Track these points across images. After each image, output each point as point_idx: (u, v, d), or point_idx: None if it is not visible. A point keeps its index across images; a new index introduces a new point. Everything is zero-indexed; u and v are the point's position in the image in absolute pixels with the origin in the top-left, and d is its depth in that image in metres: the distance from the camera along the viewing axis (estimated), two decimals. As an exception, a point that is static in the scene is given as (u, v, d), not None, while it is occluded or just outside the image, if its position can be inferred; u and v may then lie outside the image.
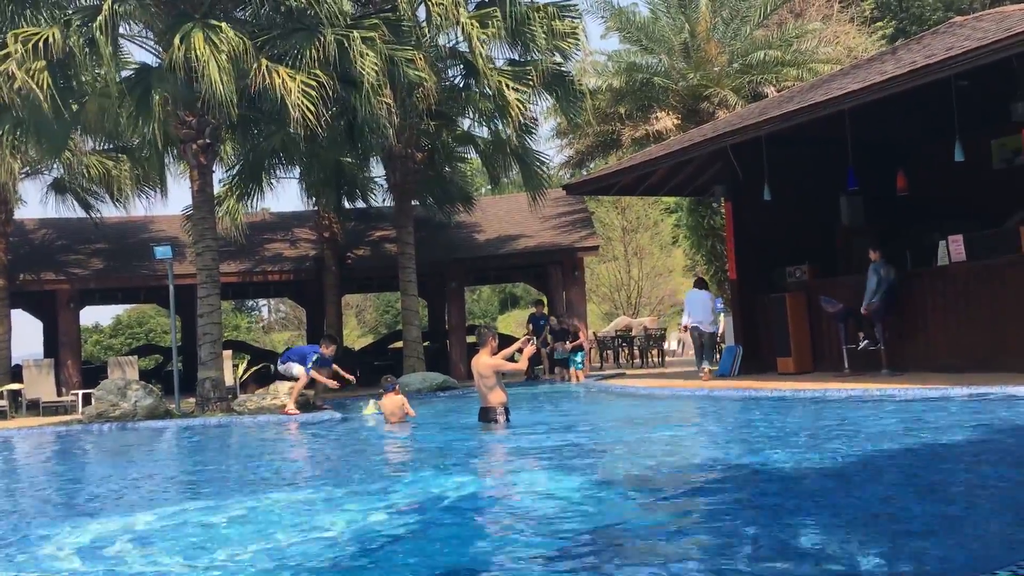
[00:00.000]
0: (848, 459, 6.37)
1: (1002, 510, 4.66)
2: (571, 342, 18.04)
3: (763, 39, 22.31)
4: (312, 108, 13.65)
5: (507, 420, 9.56)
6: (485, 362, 9.58)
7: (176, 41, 13.33)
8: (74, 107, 14.96)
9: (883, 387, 10.51)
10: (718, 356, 17.22)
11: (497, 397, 9.59)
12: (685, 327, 15.56)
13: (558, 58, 18.59)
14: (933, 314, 12.40)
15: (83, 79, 14.53)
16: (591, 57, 23.38)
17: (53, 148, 16.43)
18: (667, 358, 24.83)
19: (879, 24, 34.92)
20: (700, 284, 15.87)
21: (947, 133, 11.59)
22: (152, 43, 15.13)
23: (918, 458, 6.41)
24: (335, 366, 14.06)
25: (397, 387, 11.55)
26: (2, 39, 13.76)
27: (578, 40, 18.48)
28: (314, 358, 13.71)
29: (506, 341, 24.80)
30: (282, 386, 14.14)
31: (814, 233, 14.77)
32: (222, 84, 13.14)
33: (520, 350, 10.04)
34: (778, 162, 14.19)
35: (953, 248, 12.10)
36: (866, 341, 12.69)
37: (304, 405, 13.81)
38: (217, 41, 13.35)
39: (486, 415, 9.62)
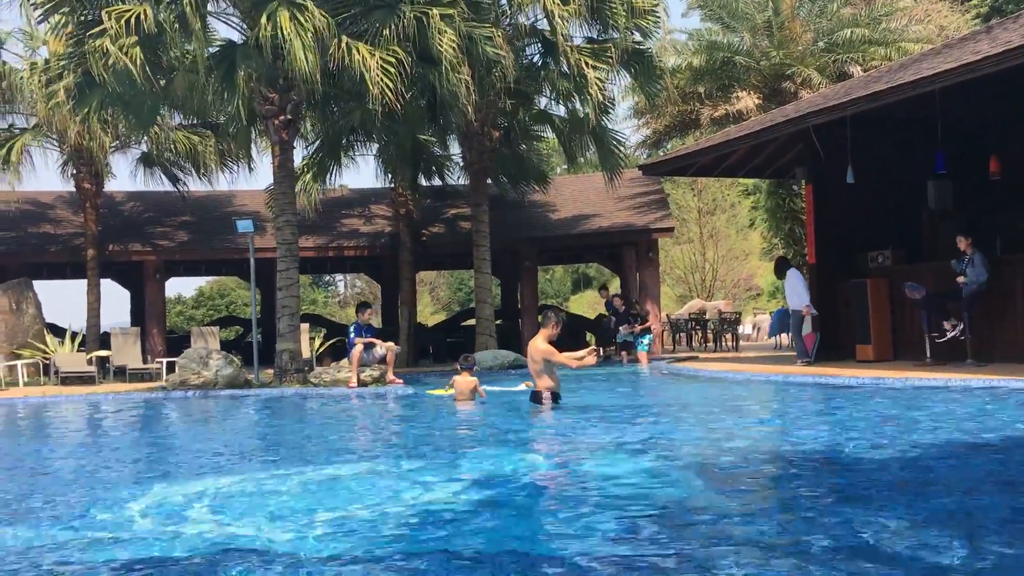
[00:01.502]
0: (929, 451, 6.21)
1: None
2: (640, 325, 17.95)
3: (850, 17, 21.67)
4: (391, 85, 13.77)
5: (554, 403, 9.47)
6: (538, 347, 9.47)
7: (263, 20, 13.56)
8: (162, 83, 15.36)
9: (968, 377, 10.20)
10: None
11: (544, 383, 9.50)
12: (808, 307, 14.15)
13: (637, 36, 18.38)
14: (1023, 303, 11.96)
15: (172, 55, 14.90)
16: (671, 35, 23.08)
17: (143, 123, 16.91)
18: (741, 342, 24.49)
19: (973, 2, 33.63)
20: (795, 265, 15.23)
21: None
22: (236, 19, 15.43)
23: (1003, 452, 6.21)
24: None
25: (475, 367, 11.62)
26: (97, 15, 14.19)
27: (658, 18, 18.26)
28: (352, 329, 14.22)
29: (577, 322, 24.78)
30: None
31: (898, 217, 14.36)
32: (307, 62, 13.34)
33: (581, 357, 9.82)
34: (862, 144, 13.82)
35: (1046, 235, 11.64)
36: (960, 326, 12.05)
37: (377, 379, 14.03)
38: (302, 19, 13.55)
39: (535, 397, 9.60)
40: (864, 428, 7.48)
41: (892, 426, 7.51)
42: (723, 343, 23.34)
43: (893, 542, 3.85)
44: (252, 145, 20.05)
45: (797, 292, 14.29)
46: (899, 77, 12.21)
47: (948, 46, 13.84)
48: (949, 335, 12.16)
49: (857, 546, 3.82)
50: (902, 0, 23.36)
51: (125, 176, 55.39)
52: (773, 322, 15.58)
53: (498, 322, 21.38)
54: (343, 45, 13.94)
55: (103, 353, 18.36)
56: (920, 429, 7.24)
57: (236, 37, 15.54)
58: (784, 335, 15.56)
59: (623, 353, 18.17)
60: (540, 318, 9.91)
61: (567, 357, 9.61)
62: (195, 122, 20.26)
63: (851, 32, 20.74)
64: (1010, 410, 8.17)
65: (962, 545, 3.76)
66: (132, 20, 13.62)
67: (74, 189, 20.68)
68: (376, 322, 23.56)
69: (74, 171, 20.20)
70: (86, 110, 15.16)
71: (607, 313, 19.28)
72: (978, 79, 10.88)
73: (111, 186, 22.14)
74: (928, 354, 12.55)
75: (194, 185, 22.01)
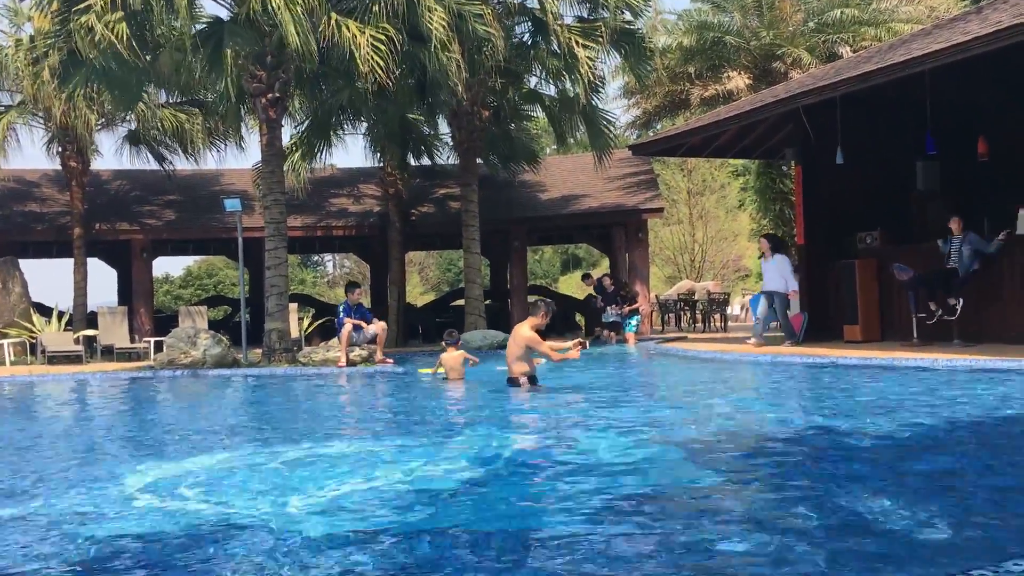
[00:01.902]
0: (914, 430, 6.25)
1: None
2: (628, 306, 18.01)
3: (841, -3, 21.66)
4: (381, 63, 13.68)
5: (532, 386, 9.39)
6: (523, 333, 9.39)
7: (252, -6, 13.43)
8: (148, 59, 15.21)
9: (953, 357, 10.27)
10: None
11: (520, 368, 9.40)
12: (795, 292, 14.22)
13: (628, 15, 18.31)
14: (1011, 285, 12.02)
15: (158, 32, 14.75)
16: (661, 15, 23.01)
17: (127, 100, 16.76)
18: (730, 323, 24.56)
19: (964, -17, 33.53)
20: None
21: (1033, 97, 11.14)
22: (225, -4, 15.28)
23: (987, 430, 6.26)
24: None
25: (460, 342, 11.64)
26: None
27: (649, -3, 18.18)
28: (341, 308, 14.19)
29: (567, 303, 24.76)
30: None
31: (887, 198, 14.37)
32: (297, 38, 13.22)
33: (565, 351, 9.71)
34: (852, 125, 13.81)
35: (1034, 217, 11.68)
36: (940, 311, 12.17)
37: (366, 359, 14.03)
38: (291, -7, 13.41)
39: (512, 383, 9.49)
40: (850, 407, 7.52)
41: (875, 403, 7.56)
42: (712, 324, 23.41)
43: (879, 519, 3.88)
44: (241, 124, 19.93)
45: (784, 276, 14.29)
46: (889, 58, 12.20)
47: (938, 26, 13.83)
48: (959, 309, 11.98)
49: (848, 522, 3.85)
50: (893, -20, 23.30)
51: (111, 154, 54.98)
52: (755, 311, 15.40)
53: (487, 302, 21.38)
54: (333, 22, 13.83)
55: (90, 332, 18.28)
56: (901, 407, 7.29)
57: (224, 15, 15.38)
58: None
59: (611, 334, 18.20)
60: (530, 307, 9.82)
61: (550, 349, 9.50)
62: (182, 100, 20.10)
63: (841, 12, 20.72)
64: (990, 389, 8.23)
65: (944, 518, 3.80)
66: (118, -4, 13.46)
67: (60, 167, 20.53)
68: (365, 302, 23.49)
69: (60, 149, 20.04)
70: (71, 88, 15.01)
71: (596, 295, 19.32)
72: (968, 60, 10.89)
73: (97, 164, 22.00)
74: (915, 334, 12.61)
75: (181, 164, 21.88)
